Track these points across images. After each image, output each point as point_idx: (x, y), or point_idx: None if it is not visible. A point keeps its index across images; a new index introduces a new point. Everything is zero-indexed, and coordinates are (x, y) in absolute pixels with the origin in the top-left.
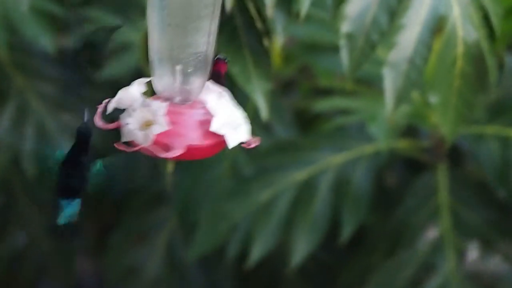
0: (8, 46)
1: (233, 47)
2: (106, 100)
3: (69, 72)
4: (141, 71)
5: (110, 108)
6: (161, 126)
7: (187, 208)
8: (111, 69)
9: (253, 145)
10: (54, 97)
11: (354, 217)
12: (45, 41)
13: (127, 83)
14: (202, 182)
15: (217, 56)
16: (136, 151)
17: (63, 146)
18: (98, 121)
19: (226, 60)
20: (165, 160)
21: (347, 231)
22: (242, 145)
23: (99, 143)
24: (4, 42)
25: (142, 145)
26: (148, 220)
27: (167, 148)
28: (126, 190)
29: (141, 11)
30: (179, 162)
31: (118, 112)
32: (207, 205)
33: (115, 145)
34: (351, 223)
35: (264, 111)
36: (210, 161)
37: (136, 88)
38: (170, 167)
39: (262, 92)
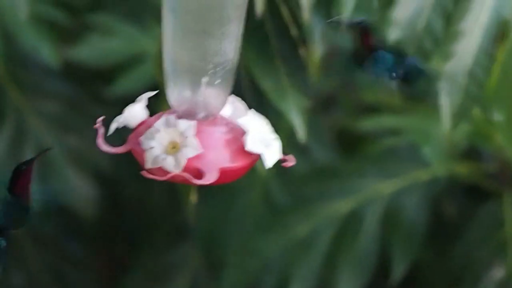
0: (4, 58)
1: (263, 57)
2: (101, 119)
3: (75, 88)
4: (157, 84)
5: (113, 128)
6: (193, 148)
7: (212, 244)
8: (123, 83)
9: (290, 164)
10: (57, 117)
11: (406, 254)
12: (47, 52)
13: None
14: (230, 213)
15: None
16: (152, 179)
17: (67, 174)
18: (101, 144)
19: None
20: (185, 187)
21: (398, 270)
22: (282, 164)
23: (110, 170)
24: (0, 54)
25: (174, 172)
26: (168, 258)
27: (199, 173)
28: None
29: (157, 16)
30: (202, 189)
31: (128, 132)
32: (236, 240)
33: (142, 173)
34: (403, 261)
35: (301, 132)
36: (239, 189)
37: (142, 105)
38: (193, 196)
39: (299, 109)
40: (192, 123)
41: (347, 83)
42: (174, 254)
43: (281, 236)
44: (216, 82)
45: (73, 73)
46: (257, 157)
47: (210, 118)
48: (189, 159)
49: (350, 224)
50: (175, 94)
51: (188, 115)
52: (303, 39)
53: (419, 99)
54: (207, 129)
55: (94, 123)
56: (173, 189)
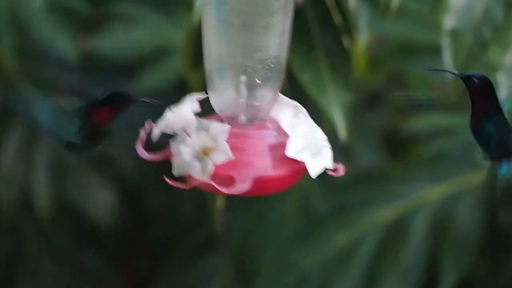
0: (16, 51)
1: (303, 48)
2: (149, 123)
3: (95, 84)
4: (184, 80)
5: (156, 133)
6: (224, 154)
7: (243, 256)
8: (148, 78)
9: (339, 174)
10: None
11: (457, 267)
12: (64, 44)
13: (169, 95)
14: (263, 223)
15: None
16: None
17: (86, 178)
18: (142, 151)
19: None
20: (213, 194)
21: (448, 283)
22: (329, 172)
23: (133, 175)
24: (12, 47)
25: (201, 180)
26: (195, 272)
27: (231, 181)
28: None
29: (185, 4)
30: (232, 196)
31: (165, 137)
32: (270, 252)
33: (166, 180)
34: (452, 275)
35: (342, 130)
36: (274, 195)
37: (189, 107)
38: (220, 204)
39: (341, 105)
40: (226, 127)
41: (395, 77)
42: (202, 268)
43: (320, 247)
44: (259, 81)
45: (93, 67)
46: (304, 167)
47: (257, 123)
48: (221, 166)
49: (395, 233)
50: (218, 96)
51: (232, 119)
52: (348, 27)
53: None
54: (248, 133)
55: (117, 122)
56: (201, 196)
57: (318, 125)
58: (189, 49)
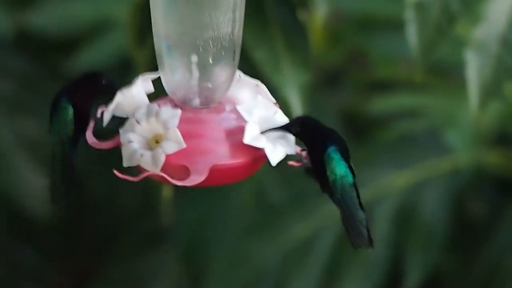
0: None
1: (256, 23)
2: (101, 109)
3: (30, 62)
4: (129, 58)
5: (107, 118)
6: (175, 142)
7: (193, 249)
8: (88, 55)
9: (303, 162)
10: (8, 96)
11: (424, 259)
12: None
13: (112, 75)
14: (214, 213)
15: None
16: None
17: (19, 166)
18: (91, 138)
19: None
20: (160, 185)
21: (414, 278)
22: (290, 162)
23: (80, 166)
24: None
25: (151, 171)
26: (140, 267)
27: (185, 172)
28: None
29: None
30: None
31: (116, 122)
32: (222, 245)
33: (114, 172)
34: (419, 267)
35: (298, 112)
36: (226, 185)
37: (141, 87)
38: (167, 193)
39: (297, 85)
40: (176, 111)
41: (357, 55)
42: (148, 263)
43: (276, 240)
44: (211, 61)
45: (28, 44)
46: (265, 154)
47: (212, 106)
48: (173, 155)
49: None
50: (167, 77)
51: (184, 102)
52: (304, 1)
53: (442, 74)
54: (202, 118)
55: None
56: (147, 185)
57: None
58: (134, 24)
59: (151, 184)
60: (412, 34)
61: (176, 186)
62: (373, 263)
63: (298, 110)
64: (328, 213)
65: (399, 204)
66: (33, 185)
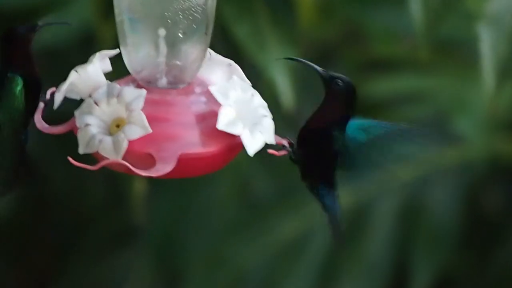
0: None
1: None
2: (51, 90)
3: None
4: (92, 34)
5: (58, 100)
6: (139, 126)
7: (168, 249)
8: (45, 31)
9: (282, 152)
10: None
11: (432, 260)
12: None
13: (73, 53)
14: (191, 209)
15: None
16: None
17: None
18: (40, 122)
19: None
20: (131, 176)
21: (421, 280)
22: (269, 151)
23: (30, 153)
24: None
25: (112, 160)
26: (106, 268)
27: (150, 161)
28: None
29: None
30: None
31: (71, 105)
32: (200, 245)
33: (69, 159)
34: (427, 269)
35: (287, 97)
36: (205, 176)
37: (98, 66)
38: (139, 187)
39: (284, 65)
40: (141, 92)
41: (353, 30)
42: (116, 264)
43: (262, 239)
44: (180, 35)
45: None
46: (240, 142)
47: (180, 87)
48: (137, 142)
49: (355, 222)
50: (130, 53)
51: (150, 82)
52: None
53: (449, 52)
54: (169, 101)
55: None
56: (115, 177)
57: (256, 90)
58: None
59: (120, 175)
60: (415, 6)
61: (149, 178)
62: (373, 266)
63: (286, 93)
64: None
65: (403, 200)
66: None
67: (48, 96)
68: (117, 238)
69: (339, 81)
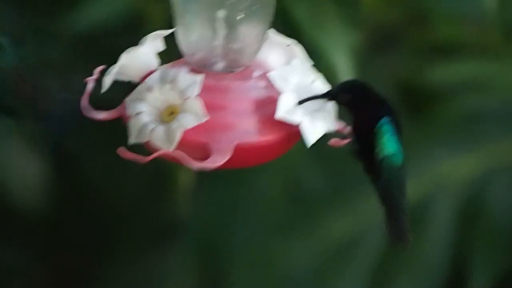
0: None
1: None
2: (99, 68)
3: (17, 19)
4: (140, 14)
5: (107, 83)
6: (194, 115)
7: (211, 248)
8: (90, 11)
9: (344, 142)
10: None
11: (493, 262)
12: None
13: (119, 35)
14: (237, 206)
15: None
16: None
17: (4, 148)
18: (87, 107)
19: None
20: (175, 167)
21: (480, 284)
22: (331, 142)
23: (67, 144)
24: None
25: (164, 150)
26: (146, 268)
27: (205, 151)
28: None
29: None
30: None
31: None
32: (246, 243)
33: (118, 152)
34: (486, 274)
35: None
36: (253, 171)
37: (151, 47)
38: (185, 180)
39: (346, 48)
40: (197, 77)
41: (416, 12)
42: (155, 263)
43: (312, 238)
44: (239, 17)
45: None
46: (299, 131)
47: (236, 71)
48: (191, 131)
49: (413, 218)
50: (187, 35)
51: (205, 66)
52: None
53: None
54: (226, 86)
55: (49, 72)
56: (156, 170)
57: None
58: None
59: (164, 166)
60: None
61: (196, 172)
62: (429, 267)
63: (347, 76)
64: (376, 207)
65: (462, 197)
66: (19, 170)
67: (95, 76)
68: (158, 235)
69: (344, 94)
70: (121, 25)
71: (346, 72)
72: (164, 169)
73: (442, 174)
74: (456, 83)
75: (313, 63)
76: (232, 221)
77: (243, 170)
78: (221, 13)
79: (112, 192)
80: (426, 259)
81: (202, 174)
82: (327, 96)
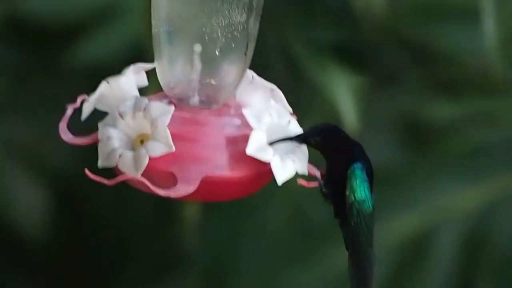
0: None
1: (297, 7)
2: (81, 98)
3: (21, 54)
4: (141, 52)
5: (87, 110)
6: (163, 143)
7: (218, 278)
8: (92, 46)
9: (312, 184)
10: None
11: None
12: None
13: (117, 71)
14: (243, 236)
15: None
16: (128, 184)
17: (9, 175)
18: (64, 132)
19: None
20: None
21: None
22: (299, 182)
23: (70, 171)
24: None
25: (131, 176)
26: None
27: (172, 180)
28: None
29: None
30: (207, 202)
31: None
32: (253, 273)
33: (86, 172)
34: None
35: (350, 117)
36: (259, 201)
37: (130, 79)
38: (191, 211)
39: (348, 84)
40: (168, 108)
41: (418, 49)
42: None
43: (317, 267)
44: (217, 52)
45: (20, 34)
46: (270, 170)
47: (214, 107)
48: (159, 159)
49: (415, 251)
50: (163, 68)
51: (182, 100)
52: None
53: None
54: (200, 120)
55: (47, 103)
56: (163, 201)
57: (317, 108)
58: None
59: (169, 200)
60: (488, 21)
61: (201, 204)
62: None
63: (350, 114)
64: (381, 237)
65: (468, 229)
66: (22, 200)
67: (77, 103)
68: (164, 267)
69: (313, 137)
70: (124, 59)
71: (349, 111)
72: (170, 200)
73: (445, 207)
74: (459, 118)
75: (311, 100)
76: (238, 253)
77: (249, 202)
78: (197, 48)
79: (118, 223)
80: None
81: (209, 206)
82: (298, 138)
